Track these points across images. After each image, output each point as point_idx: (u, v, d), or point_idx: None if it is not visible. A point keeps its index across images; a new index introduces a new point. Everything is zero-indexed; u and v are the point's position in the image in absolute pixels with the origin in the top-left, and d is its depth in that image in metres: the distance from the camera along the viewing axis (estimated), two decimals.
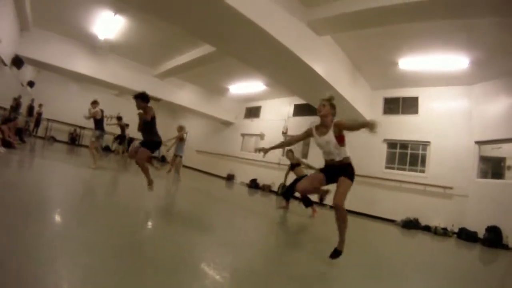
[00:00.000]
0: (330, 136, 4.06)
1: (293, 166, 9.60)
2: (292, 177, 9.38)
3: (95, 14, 11.45)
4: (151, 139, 6.22)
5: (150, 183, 6.11)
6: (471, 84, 10.69)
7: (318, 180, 4.28)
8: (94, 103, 9.78)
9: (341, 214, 3.95)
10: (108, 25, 12.05)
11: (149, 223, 4.85)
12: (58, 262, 2.51)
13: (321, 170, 4.34)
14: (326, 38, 9.40)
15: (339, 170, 4.08)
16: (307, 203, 8.93)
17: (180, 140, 11.79)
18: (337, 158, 4.11)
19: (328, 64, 9.66)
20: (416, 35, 8.65)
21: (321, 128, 4.24)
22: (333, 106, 4.26)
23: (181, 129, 11.80)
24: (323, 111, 4.19)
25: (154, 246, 3.60)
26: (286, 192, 9.72)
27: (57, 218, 3.88)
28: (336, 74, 10.09)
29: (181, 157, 11.92)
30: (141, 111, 6.08)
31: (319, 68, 9.07)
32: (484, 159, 10.30)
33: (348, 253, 4.21)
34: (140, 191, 6.86)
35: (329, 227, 5.52)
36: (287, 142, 5.66)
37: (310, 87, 10.66)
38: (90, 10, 11.16)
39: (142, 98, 6.03)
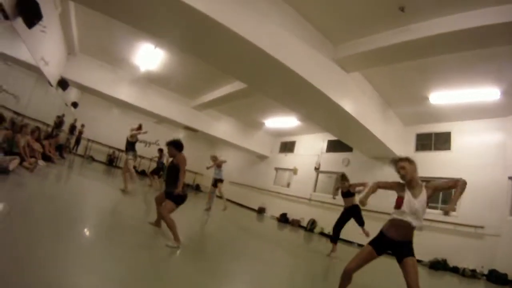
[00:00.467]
0: (424, 196, 3.58)
1: (345, 195, 8.78)
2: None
3: (137, 46, 12.13)
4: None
5: (176, 239, 5.15)
6: (506, 116, 10.31)
7: (370, 258, 3.73)
8: (139, 128, 10.03)
9: None
10: (148, 57, 12.73)
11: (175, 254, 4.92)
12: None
13: (375, 244, 3.75)
14: (354, 74, 9.53)
15: (402, 246, 3.63)
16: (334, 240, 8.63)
17: (218, 166, 12.08)
18: (414, 224, 3.54)
19: (357, 101, 9.77)
20: (444, 69, 8.58)
21: (413, 190, 3.67)
22: (412, 163, 3.78)
23: (215, 158, 12.18)
24: (408, 174, 3.67)
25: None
26: (333, 235, 8.72)
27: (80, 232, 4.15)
28: (365, 111, 10.16)
29: (222, 181, 12.16)
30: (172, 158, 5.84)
31: (348, 106, 9.21)
32: None
33: None
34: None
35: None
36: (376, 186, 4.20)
37: (340, 124, 10.83)
38: (132, 42, 11.83)
39: (175, 146, 5.71)
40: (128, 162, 9.83)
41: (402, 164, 3.70)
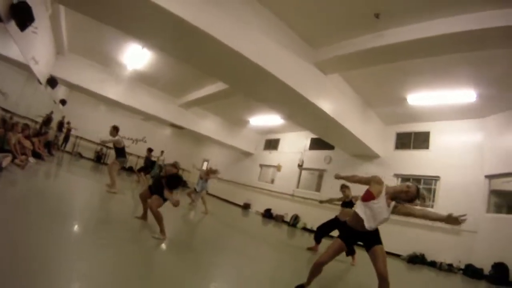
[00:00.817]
0: (390, 209, 3.70)
1: (345, 205, 8.17)
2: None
3: (124, 46, 12.35)
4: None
5: (163, 232, 5.34)
6: (483, 117, 10.61)
7: (340, 251, 3.95)
8: (115, 129, 9.52)
9: (387, 285, 3.65)
10: (136, 57, 12.98)
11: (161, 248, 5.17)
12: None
13: (343, 237, 3.95)
14: (334, 76, 9.85)
15: (369, 236, 3.85)
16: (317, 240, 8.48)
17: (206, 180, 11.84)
18: (367, 225, 3.72)
19: (336, 102, 10.09)
20: (420, 71, 8.85)
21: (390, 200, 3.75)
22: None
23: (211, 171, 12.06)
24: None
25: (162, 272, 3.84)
26: (317, 233, 8.55)
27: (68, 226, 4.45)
28: (344, 111, 10.49)
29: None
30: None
31: (326, 106, 9.53)
32: (498, 194, 10.04)
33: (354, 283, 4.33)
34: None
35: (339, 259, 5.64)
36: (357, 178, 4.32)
37: (319, 124, 11.14)
38: (120, 42, 12.03)
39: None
40: (112, 166, 9.49)
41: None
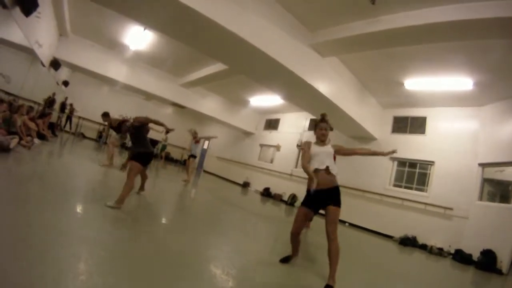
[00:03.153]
0: (329, 148, 4.27)
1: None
2: None
3: (127, 28, 12.43)
4: (139, 150, 5.71)
5: (120, 201, 5.06)
6: (481, 106, 10.62)
7: (308, 217, 4.32)
8: (104, 116, 10.02)
9: (337, 247, 3.87)
10: (138, 38, 13.07)
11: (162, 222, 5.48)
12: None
13: (306, 203, 4.21)
14: (331, 59, 9.88)
15: (328, 196, 4.06)
16: None
17: (196, 142, 12.30)
18: (331, 171, 4.13)
19: (333, 84, 10.14)
20: (418, 57, 8.83)
21: (320, 142, 4.36)
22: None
23: (195, 133, 12.37)
24: (327, 135, 4.37)
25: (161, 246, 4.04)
26: None
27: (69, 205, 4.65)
28: (341, 94, 10.54)
29: (195, 157, 12.47)
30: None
31: (323, 88, 9.59)
32: (491, 182, 10.14)
33: (346, 262, 4.57)
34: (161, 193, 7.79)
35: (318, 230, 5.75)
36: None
37: (316, 105, 11.17)
38: (123, 24, 12.10)
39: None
40: (111, 142, 10.29)
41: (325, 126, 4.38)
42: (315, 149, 4.30)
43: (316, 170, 4.12)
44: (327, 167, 4.12)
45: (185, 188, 11.14)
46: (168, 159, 23.14)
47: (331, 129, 4.42)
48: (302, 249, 4.67)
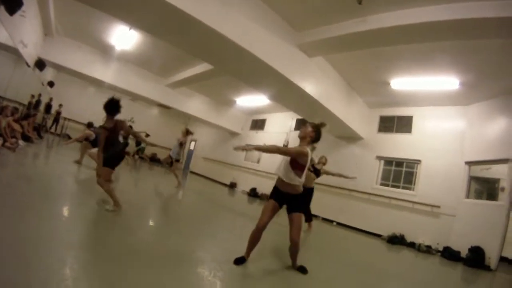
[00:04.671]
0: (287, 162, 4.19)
1: (316, 173, 8.90)
2: None
3: (112, 27, 12.31)
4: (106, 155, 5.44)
5: (116, 204, 5.27)
6: (466, 105, 10.69)
7: (275, 211, 4.25)
8: (89, 126, 10.48)
9: (297, 248, 4.23)
10: (124, 38, 12.95)
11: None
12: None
13: (274, 196, 4.27)
14: (318, 59, 9.84)
15: (291, 200, 4.21)
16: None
17: (181, 144, 11.70)
18: (280, 174, 4.18)
19: (319, 84, 10.10)
20: (405, 57, 8.84)
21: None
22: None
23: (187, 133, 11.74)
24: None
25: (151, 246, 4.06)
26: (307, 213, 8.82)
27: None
28: (328, 94, 10.50)
29: (178, 161, 11.92)
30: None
31: (310, 88, 9.55)
32: (477, 180, 10.23)
33: (336, 262, 4.62)
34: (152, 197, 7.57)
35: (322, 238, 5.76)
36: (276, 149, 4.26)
37: (303, 106, 11.15)
38: (108, 24, 11.98)
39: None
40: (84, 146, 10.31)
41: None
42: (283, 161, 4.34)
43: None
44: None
45: (171, 190, 11.00)
46: (155, 160, 22.86)
47: (316, 133, 4.38)
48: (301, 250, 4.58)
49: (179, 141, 11.66)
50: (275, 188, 4.31)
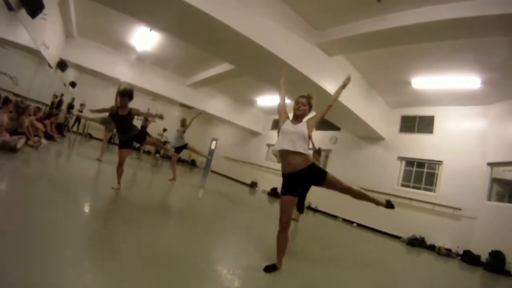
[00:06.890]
0: (303, 128, 3.85)
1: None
2: None
3: (133, 29, 12.58)
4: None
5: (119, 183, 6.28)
6: (488, 104, 10.45)
7: (293, 204, 3.86)
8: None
9: (356, 192, 3.91)
10: (144, 39, 13.22)
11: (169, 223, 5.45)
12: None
13: (287, 191, 3.80)
14: (338, 58, 9.80)
15: (307, 176, 3.78)
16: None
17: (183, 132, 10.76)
18: (298, 149, 3.70)
19: (339, 83, 9.96)
20: (425, 55, 8.76)
21: (295, 120, 4.04)
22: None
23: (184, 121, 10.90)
24: (304, 111, 4.07)
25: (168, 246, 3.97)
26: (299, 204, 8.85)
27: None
28: (349, 93, 10.18)
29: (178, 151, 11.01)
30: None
31: (329, 87, 9.49)
32: (500, 182, 9.94)
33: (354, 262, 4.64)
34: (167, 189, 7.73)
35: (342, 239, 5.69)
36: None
37: (323, 105, 11.05)
38: (129, 25, 12.26)
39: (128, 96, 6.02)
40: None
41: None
42: (287, 126, 3.94)
43: (283, 152, 3.79)
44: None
45: (193, 188, 11.08)
46: (168, 157, 22.88)
47: (310, 106, 4.14)
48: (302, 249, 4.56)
49: (180, 131, 10.78)
50: (286, 180, 3.84)
